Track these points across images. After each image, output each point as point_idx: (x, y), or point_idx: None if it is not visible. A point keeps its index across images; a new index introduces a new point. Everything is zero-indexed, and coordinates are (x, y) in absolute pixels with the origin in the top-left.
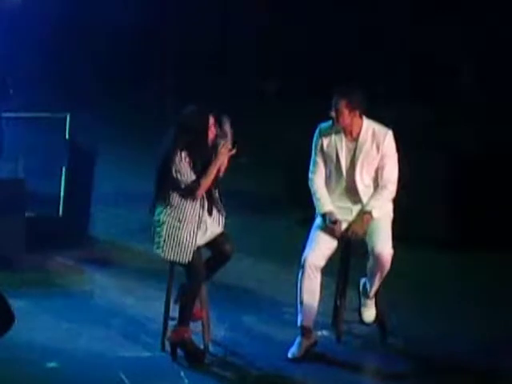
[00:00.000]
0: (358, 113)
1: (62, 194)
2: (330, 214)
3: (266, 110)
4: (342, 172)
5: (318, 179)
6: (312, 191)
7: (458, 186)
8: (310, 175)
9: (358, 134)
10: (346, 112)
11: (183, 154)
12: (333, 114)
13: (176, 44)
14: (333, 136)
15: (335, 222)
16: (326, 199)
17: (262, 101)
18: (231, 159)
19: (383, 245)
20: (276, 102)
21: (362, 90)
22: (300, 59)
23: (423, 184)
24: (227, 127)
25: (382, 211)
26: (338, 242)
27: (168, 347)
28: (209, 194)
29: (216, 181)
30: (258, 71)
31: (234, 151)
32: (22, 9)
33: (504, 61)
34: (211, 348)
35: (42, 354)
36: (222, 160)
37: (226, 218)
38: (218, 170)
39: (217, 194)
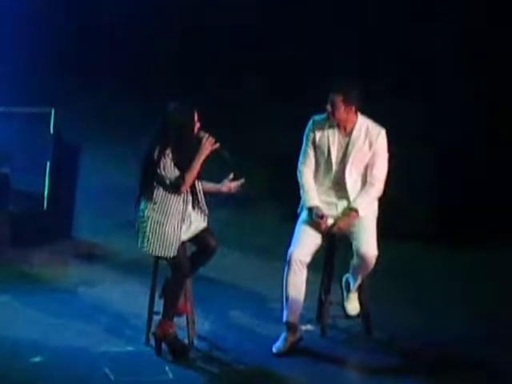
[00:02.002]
0: (353, 108)
1: (46, 188)
2: (317, 208)
3: (251, 106)
4: (331, 166)
5: (307, 171)
6: (300, 183)
7: (444, 183)
8: (299, 166)
9: (352, 130)
10: (341, 107)
11: (168, 150)
12: (328, 108)
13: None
14: (326, 129)
15: (322, 216)
16: (313, 193)
17: (247, 96)
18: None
19: (368, 246)
20: (260, 98)
21: (360, 85)
22: (285, 55)
23: (409, 180)
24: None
25: (369, 210)
26: (323, 237)
27: (152, 342)
28: (192, 188)
29: (200, 175)
30: (241, 67)
31: (217, 145)
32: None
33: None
34: (196, 342)
35: (27, 349)
36: (206, 154)
37: (210, 213)
38: (202, 165)
39: (200, 190)
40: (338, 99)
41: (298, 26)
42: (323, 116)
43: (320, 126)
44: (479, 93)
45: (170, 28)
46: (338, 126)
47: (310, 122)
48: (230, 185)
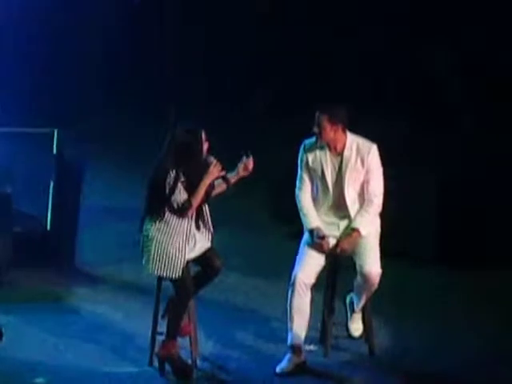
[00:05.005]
0: (340, 128)
1: (49, 208)
2: (318, 229)
3: (252, 125)
4: (328, 187)
5: (304, 195)
6: (299, 207)
7: (443, 203)
8: (296, 191)
9: (343, 149)
10: (328, 127)
11: (179, 173)
12: (315, 129)
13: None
14: (317, 152)
15: (323, 237)
16: (312, 215)
17: (248, 115)
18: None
19: (372, 264)
20: (262, 117)
21: (345, 105)
22: (289, 73)
23: (407, 200)
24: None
25: (370, 228)
26: (327, 258)
27: (156, 362)
28: (199, 209)
29: (207, 197)
30: (246, 84)
31: (223, 173)
32: (7, 22)
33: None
34: (199, 363)
35: (30, 370)
36: (211, 179)
37: (214, 233)
38: (210, 187)
39: (206, 210)
40: (324, 119)
41: (297, 41)
42: (314, 139)
43: (312, 150)
44: (480, 114)
45: (170, 46)
46: (329, 147)
47: (302, 146)
48: (244, 164)
